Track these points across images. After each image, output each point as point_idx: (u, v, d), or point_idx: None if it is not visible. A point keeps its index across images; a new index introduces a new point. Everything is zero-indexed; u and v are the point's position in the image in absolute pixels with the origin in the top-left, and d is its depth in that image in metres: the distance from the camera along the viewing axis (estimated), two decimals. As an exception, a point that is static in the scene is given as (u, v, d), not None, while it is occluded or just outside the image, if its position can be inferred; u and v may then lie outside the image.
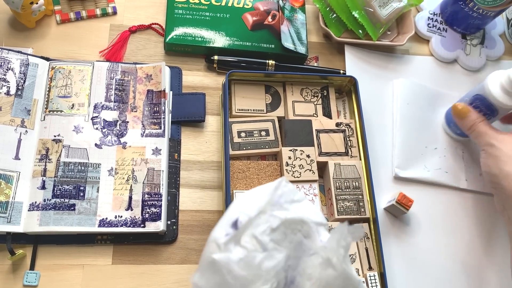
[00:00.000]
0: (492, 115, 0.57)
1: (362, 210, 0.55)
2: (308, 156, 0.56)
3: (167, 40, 0.62)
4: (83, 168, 0.53)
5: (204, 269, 0.21)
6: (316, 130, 0.59)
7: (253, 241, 0.22)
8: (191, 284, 0.21)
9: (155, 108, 0.57)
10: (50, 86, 0.56)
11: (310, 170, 0.56)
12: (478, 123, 0.55)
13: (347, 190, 0.56)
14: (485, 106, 0.56)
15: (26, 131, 0.53)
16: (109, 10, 0.64)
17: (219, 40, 0.63)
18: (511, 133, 0.53)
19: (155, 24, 0.65)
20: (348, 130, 0.60)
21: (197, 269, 0.22)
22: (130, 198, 0.52)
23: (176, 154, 0.57)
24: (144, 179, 0.53)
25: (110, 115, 0.56)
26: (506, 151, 0.51)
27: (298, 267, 0.23)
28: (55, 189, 0.51)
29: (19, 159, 0.52)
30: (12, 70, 0.55)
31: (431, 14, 0.74)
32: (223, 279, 0.21)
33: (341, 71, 0.65)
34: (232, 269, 0.21)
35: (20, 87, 0.55)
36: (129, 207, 0.52)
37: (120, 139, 0.55)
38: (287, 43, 0.64)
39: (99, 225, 0.50)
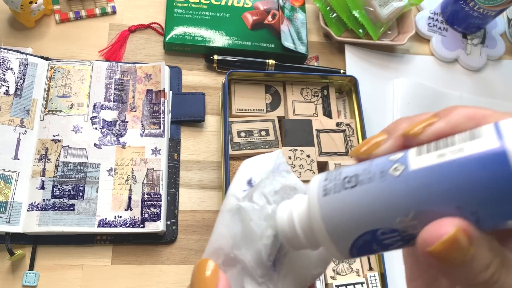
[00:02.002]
0: None
1: (363, 210, 0.55)
2: (308, 156, 0.56)
3: (167, 39, 0.62)
4: (82, 168, 0.52)
5: (233, 215, 0.23)
6: (316, 130, 0.58)
7: (262, 198, 0.24)
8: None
9: (154, 108, 0.57)
10: (49, 85, 0.56)
11: (310, 170, 0.56)
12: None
13: (347, 190, 0.56)
14: None
15: (25, 131, 0.53)
16: (109, 10, 0.64)
17: (219, 39, 0.63)
18: None
19: (155, 23, 0.64)
20: (348, 130, 0.59)
21: (226, 212, 0.24)
22: (130, 198, 0.52)
23: (176, 154, 0.57)
24: (144, 179, 0.53)
25: (109, 115, 0.56)
26: None
27: None
28: (54, 189, 0.51)
29: (18, 159, 0.52)
30: (11, 69, 0.55)
31: (432, 13, 0.73)
32: (247, 225, 0.23)
33: (342, 71, 0.65)
34: (253, 217, 0.23)
35: (19, 87, 0.55)
36: (129, 207, 0.52)
37: (120, 139, 0.55)
38: (287, 43, 0.64)
39: (99, 225, 0.50)
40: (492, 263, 0.19)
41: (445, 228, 0.18)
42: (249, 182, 0.24)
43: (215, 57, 0.62)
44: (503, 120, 0.18)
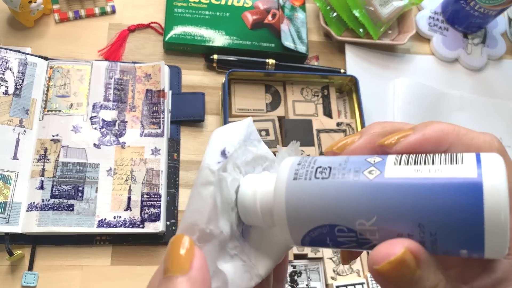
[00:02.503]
0: None
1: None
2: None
3: (166, 39, 0.61)
4: (81, 168, 0.52)
5: (201, 192, 0.23)
6: (316, 130, 0.58)
7: (236, 169, 0.24)
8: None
9: (154, 108, 0.57)
10: (49, 85, 0.56)
11: (310, 170, 0.56)
12: None
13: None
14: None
15: (25, 131, 0.53)
16: (108, 9, 0.64)
17: (218, 39, 0.63)
18: None
19: (154, 23, 0.64)
20: (349, 130, 0.59)
21: (193, 194, 0.23)
22: (129, 198, 0.52)
23: (176, 154, 0.57)
24: (143, 179, 0.53)
25: (108, 115, 0.56)
26: None
27: None
28: (54, 189, 0.51)
29: (18, 159, 0.52)
30: (10, 69, 0.55)
31: (432, 13, 0.73)
32: (223, 195, 0.23)
33: (342, 71, 0.65)
34: (227, 188, 0.23)
35: (18, 87, 0.54)
36: (128, 207, 0.51)
37: (119, 139, 0.55)
38: (287, 42, 0.63)
39: (98, 226, 0.50)
40: (439, 285, 0.19)
41: (394, 249, 0.18)
42: (223, 153, 0.24)
43: (215, 56, 0.62)
44: (485, 154, 0.19)
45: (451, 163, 0.19)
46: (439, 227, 0.18)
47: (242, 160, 0.24)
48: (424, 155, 0.20)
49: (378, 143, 0.21)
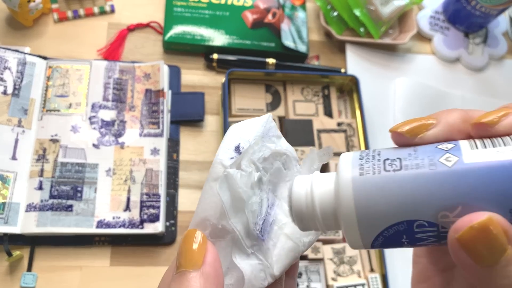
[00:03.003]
0: None
1: (363, 211, 0.55)
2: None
3: (166, 38, 0.61)
4: (80, 168, 0.52)
5: (221, 182, 0.22)
6: (317, 129, 0.58)
7: (251, 165, 0.23)
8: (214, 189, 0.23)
9: (153, 108, 0.56)
10: (48, 85, 0.56)
11: (310, 171, 0.55)
12: None
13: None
14: None
15: (23, 131, 0.53)
16: (107, 8, 0.63)
17: (218, 38, 0.62)
18: None
19: (154, 22, 0.64)
20: (349, 129, 0.59)
21: (205, 189, 0.23)
22: (128, 199, 0.52)
23: (175, 154, 0.57)
24: (143, 179, 0.53)
25: (108, 115, 0.55)
26: None
27: (276, 191, 0.25)
28: (53, 189, 0.50)
29: (16, 159, 0.51)
30: (9, 69, 0.54)
31: (433, 12, 0.73)
32: (235, 193, 0.22)
33: (342, 70, 0.65)
34: (241, 185, 0.22)
35: (17, 87, 0.54)
36: (127, 208, 0.51)
37: (118, 139, 0.54)
38: (288, 42, 0.63)
39: (97, 226, 0.50)
40: None
41: (478, 216, 0.16)
42: (237, 149, 0.23)
43: (215, 56, 0.62)
44: None
45: None
46: None
47: (258, 156, 0.24)
48: (499, 138, 0.18)
49: (475, 121, 0.19)
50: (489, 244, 0.16)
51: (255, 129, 0.24)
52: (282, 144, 0.25)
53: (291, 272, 0.27)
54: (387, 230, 0.19)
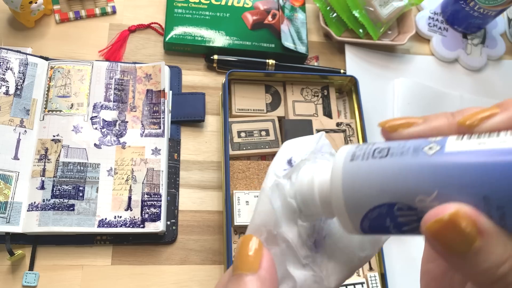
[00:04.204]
0: None
1: (363, 210, 0.55)
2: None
3: (167, 39, 0.62)
4: (82, 168, 0.52)
5: (272, 191, 0.24)
6: (316, 130, 0.58)
7: None
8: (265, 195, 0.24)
9: (154, 108, 0.57)
10: (49, 85, 0.56)
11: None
12: None
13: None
14: None
15: (25, 131, 0.53)
16: (109, 10, 0.64)
17: (219, 39, 0.63)
18: None
19: (155, 23, 0.64)
20: (348, 130, 0.59)
21: (267, 188, 0.24)
22: (130, 198, 0.52)
23: (176, 154, 0.57)
24: (144, 179, 0.53)
25: (109, 115, 0.56)
26: None
27: None
28: (54, 189, 0.51)
29: (18, 159, 0.52)
30: (11, 69, 0.55)
31: (432, 13, 0.73)
32: (285, 202, 0.23)
33: (342, 71, 0.65)
34: (291, 195, 0.23)
35: (19, 87, 0.55)
36: (129, 207, 0.51)
37: (120, 139, 0.55)
38: (287, 43, 0.63)
39: (99, 226, 0.50)
40: (508, 262, 0.16)
41: (445, 209, 0.17)
42: (289, 162, 0.24)
43: (215, 57, 0.62)
44: None
45: None
46: (507, 199, 0.16)
47: None
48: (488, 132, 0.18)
49: (458, 122, 0.19)
50: (457, 236, 0.17)
51: (307, 145, 0.25)
52: None
53: None
54: (371, 213, 0.20)
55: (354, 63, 0.66)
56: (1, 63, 0.55)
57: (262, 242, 0.23)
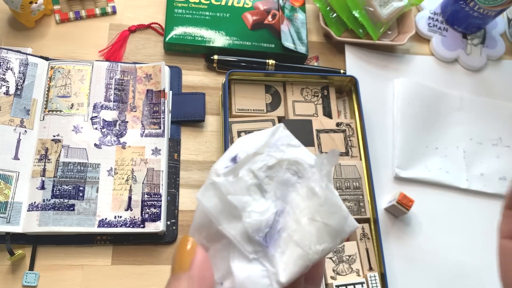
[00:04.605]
0: None
1: (363, 210, 0.55)
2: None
3: (167, 39, 0.62)
4: (82, 168, 0.52)
5: (205, 190, 0.24)
6: (316, 130, 0.58)
7: (250, 174, 0.24)
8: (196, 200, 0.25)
9: (154, 108, 0.57)
10: (50, 86, 0.56)
11: (310, 170, 0.56)
12: None
13: (348, 190, 0.56)
14: None
15: (25, 131, 0.53)
16: (109, 10, 0.64)
17: (219, 39, 0.63)
18: None
19: (155, 23, 0.64)
20: (348, 130, 0.59)
21: (200, 189, 0.25)
22: (130, 198, 0.52)
23: (176, 154, 0.57)
24: (144, 179, 0.53)
25: (109, 115, 0.56)
26: None
27: (286, 199, 0.25)
28: (55, 189, 0.51)
29: (18, 159, 0.52)
30: (11, 69, 0.55)
31: (432, 13, 0.73)
32: (223, 200, 0.23)
33: (342, 71, 0.65)
34: (231, 191, 0.23)
35: (19, 87, 0.55)
36: (129, 207, 0.52)
37: (120, 139, 0.55)
38: (287, 43, 0.63)
39: (99, 226, 0.50)
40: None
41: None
42: (233, 159, 0.24)
43: (215, 57, 0.62)
44: None
45: None
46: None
47: (260, 166, 0.25)
48: None
49: None
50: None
51: (258, 140, 0.25)
52: (292, 153, 0.26)
53: (313, 279, 0.27)
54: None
55: (354, 63, 0.66)
56: (1, 63, 0.55)
57: (202, 241, 0.24)
